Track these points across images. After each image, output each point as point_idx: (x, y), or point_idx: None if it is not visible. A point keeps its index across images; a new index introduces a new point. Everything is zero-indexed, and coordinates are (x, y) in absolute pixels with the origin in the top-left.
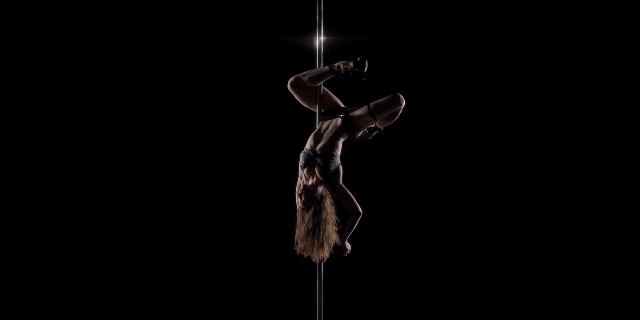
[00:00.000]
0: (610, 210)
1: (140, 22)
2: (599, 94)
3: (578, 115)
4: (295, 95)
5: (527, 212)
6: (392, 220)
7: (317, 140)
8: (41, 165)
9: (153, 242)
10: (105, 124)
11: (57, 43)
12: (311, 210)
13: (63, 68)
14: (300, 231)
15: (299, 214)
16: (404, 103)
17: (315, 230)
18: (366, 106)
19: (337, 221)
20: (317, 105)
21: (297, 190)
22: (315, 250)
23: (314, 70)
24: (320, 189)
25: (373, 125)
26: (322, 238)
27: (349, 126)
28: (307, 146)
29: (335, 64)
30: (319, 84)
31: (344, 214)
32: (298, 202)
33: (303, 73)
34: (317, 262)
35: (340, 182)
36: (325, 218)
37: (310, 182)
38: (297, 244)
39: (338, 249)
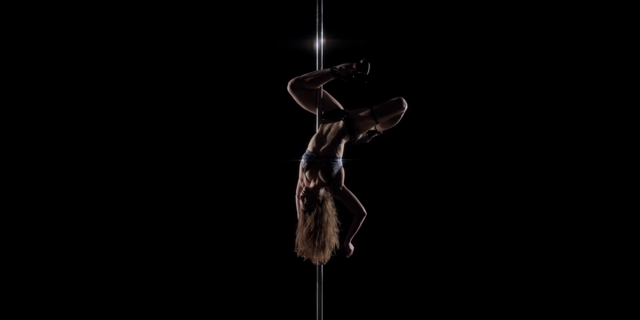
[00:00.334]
0: (610, 210)
1: (140, 25)
2: (599, 96)
3: (578, 117)
4: (295, 97)
5: (529, 214)
6: (393, 222)
7: (319, 143)
8: (41, 165)
9: (154, 244)
10: (107, 127)
11: (57, 43)
12: (313, 213)
13: (63, 68)
14: (301, 234)
15: (300, 216)
16: (406, 107)
17: (317, 232)
18: (368, 109)
19: (338, 224)
20: (317, 108)
21: (299, 193)
22: (316, 252)
23: (314, 73)
24: (322, 191)
25: (373, 128)
26: (323, 240)
27: (351, 129)
28: (310, 149)
29: (337, 66)
30: (319, 87)
31: (345, 217)
32: (299, 204)
33: (303, 75)
34: (317, 264)
35: (343, 184)
36: (327, 220)
37: (312, 185)
38: (297, 246)
39: (338, 251)
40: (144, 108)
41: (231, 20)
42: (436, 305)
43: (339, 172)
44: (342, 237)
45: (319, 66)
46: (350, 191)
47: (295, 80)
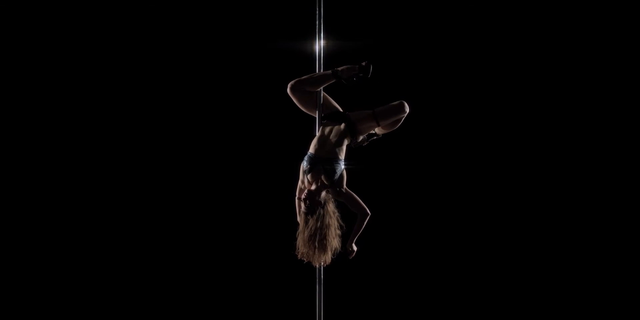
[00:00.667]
0: (610, 211)
1: (140, 27)
2: (600, 98)
3: (578, 118)
4: (295, 99)
5: (529, 216)
6: (392, 224)
7: (321, 145)
8: (42, 165)
9: (156, 246)
10: (109, 129)
11: (59, 45)
12: (315, 215)
13: (66, 71)
14: (302, 236)
15: (301, 219)
16: (408, 111)
17: (318, 234)
18: (371, 111)
19: (341, 225)
20: (317, 110)
21: (301, 196)
22: (317, 254)
23: (315, 75)
24: (324, 193)
25: (373, 131)
26: (325, 242)
27: (352, 131)
28: (312, 151)
29: (339, 68)
30: (319, 89)
31: (347, 218)
32: (301, 207)
33: (304, 77)
34: (319, 266)
35: (345, 185)
36: (328, 222)
37: (314, 187)
38: (299, 249)
39: (339, 253)
40: (145, 110)
41: (231, 22)
42: (436, 307)
43: (341, 174)
44: (344, 238)
45: (318, 68)
46: (352, 192)
47: (295, 82)
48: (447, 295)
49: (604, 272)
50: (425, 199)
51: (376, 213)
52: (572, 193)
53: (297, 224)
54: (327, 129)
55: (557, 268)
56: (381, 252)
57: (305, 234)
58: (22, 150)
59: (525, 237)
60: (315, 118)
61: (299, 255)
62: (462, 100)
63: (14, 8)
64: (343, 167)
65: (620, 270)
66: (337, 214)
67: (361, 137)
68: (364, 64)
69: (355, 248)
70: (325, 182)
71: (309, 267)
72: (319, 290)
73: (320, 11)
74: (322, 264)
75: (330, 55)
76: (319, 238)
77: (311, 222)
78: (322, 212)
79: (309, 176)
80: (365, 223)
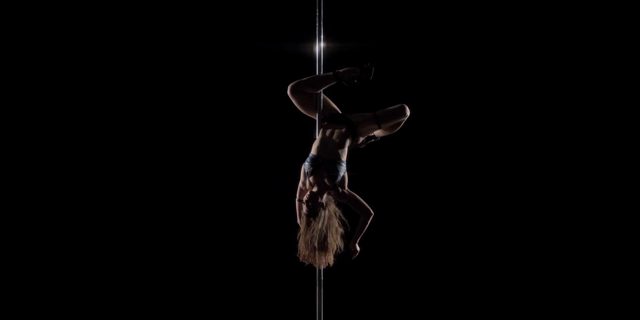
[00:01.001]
0: (610, 211)
1: (140, 29)
2: (600, 100)
3: (578, 120)
4: (295, 101)
5: (530, 218)
6: (392, 225)
7: (324, 147)
8: (42, 165)
9: (156, 247)
10: (110, 132)
11: (60, 46)
12: (318, 217)
13: (68, 73)
14: (304, 238)
15: (302, 221)
16: (408, 114)
17: (321, 236)
18: (372, 114)
19: (345, 226)
20: (317, 112)
21: (303, 198)
22: (319, 256)
23: (316, 76)
24: (325, 195)
25: (371, 134)
26: (327, 244)
27: (353, 133)
28: (314, 152)
29: (341, 70)
30: (320, 91)
31: (348, 220)
32: (302, 208)
33: (304, 79)
34: (321, 267)
35: (346, 186)
36: (330, 224)
37: (316, 189)
38: (300, 251)
39: (340, 254)
40: (145, 112)
41: (231, 24)
42: (436, 308)
43: (343, 176)
44: (346, 239)
45: (318, 70)
46: (354, 193)
47: (295, 84)
48: (448, 296)
49: (604, 272)
50: (425, 200)
51: (376, 214)
52: (572, 194)
53: (297, 225)
54: (329, 131)
55: (557, 268)
56: (381, 254)
57: (307, 236)
58: (22, 151)
59: (526, 239)
60: (315, 120)
61: (300, 258)
62: (462, 103)
63: (14, 8)
64: (345, 168)
65: (620, 270)
66: (338, 213)
67: (361, 139)
68: (366, 65)
69: (358, 248)
70: (327, 183)
71: (309, 269)
72: (319, 292)
73: (320, 13)
74: (324, 265)
75: (330, 57)
76: (321, 240)
77: (313, 224)
78: (323, 213)
79: (311, 178)
80: (368, 223)
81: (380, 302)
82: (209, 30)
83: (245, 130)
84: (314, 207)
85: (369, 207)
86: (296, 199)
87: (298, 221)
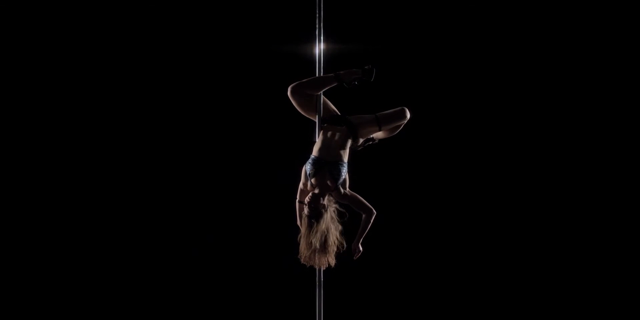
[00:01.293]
0: (610, 212)
1: (141, 30)
2: (600, 102)
3: (578, 123)
4: (294, 102)
5: (529, 219)
6: (392, 226)
7: (326, 148)
8: (43, 166)
9: (156, 248)
10: (110, 132)
11: (61, 47)
12: (320, 219)
13: (72, 73)
14: (306, 240)
15: (304, 222)
16: (409, 117)
17: (323, 237)
18: (373, 116)
19: (341, 228)
20: (317, 114)
21: (303, 199)
22: (320, 257)
23: (316, 78)
24: (327, 196)
25: (370, 136)
26: (328, 245)
27: (354, 134)
28: (316, 154)
29: (342, 72)
30: (320, 92)
31: (348, 221)
32: (304, 210)
33: (304, 80)
34: (322, 268)
35: (347, 187)
36: (331, 225)
37: (318, 190)
38: (302, 253)
39: (340, 255)
40: (146, 113)
41: (231, 26)
42: (436, 308)
43: (344, 177)
44: (349, 240)
45: (318, 72)
46: (355, 193)
47: (296, 85)
48: (448, 297)
49: (604, 272)
50: (425, 202)
51: (376, 215)
52: (571, 195)
53: (297, 226)
54: (330, 133)
55: (557, 268)
56: (380, 255)
57: (310, 238)
58: (22, 151)
59: (525, 240)
60: (314, 121)
61: (302, 259)
62: (462, 104)
63: (14, 8)
64: (346, 169)
65: (620, 270)
66: (337, 216)
67: (360, 141)
68: (367, 67)
69: (361, 248)
70: (330, 185)
71: (309, 270)
72: (319, 293)
73: (320, 15)
74: (325, 266)
75: (330, 59)
76: (322, 241)
77: (315, 225)
78: (325, 215)
79: (313, 179)
80: (371, 222)
81: (380, 303)
82: (209, 31)
83: (245, 131)
84: (316, 209)
85: (371, 207)
86: (296, 200)
87: (298, 223)
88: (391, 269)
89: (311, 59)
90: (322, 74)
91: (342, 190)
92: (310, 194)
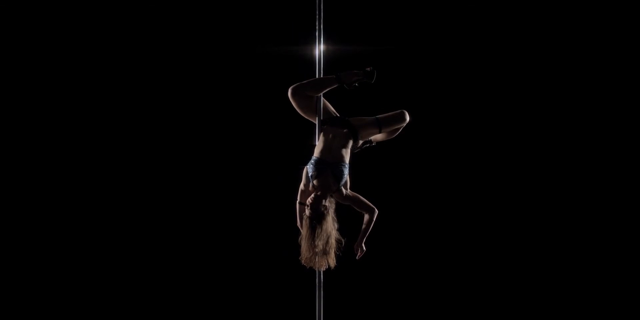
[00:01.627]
0: (610, 212)
1: (141, 32)
2: (600, 104)
3: (578, 125)
4: (295, 103)
5: (529, 219)
6: (392, 227)
7: (328, 150)
8: (42, 166)
9: (157, 249)
10: (111, 134)
11: (60, 48)
12: (322, 220)
13: (72, 74)
14: (308, 241)
15: (305, 224)
16: (408, 120)
17: (325, 239)
18: (374, 118)
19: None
20: (317, 115)
21: (304, 200)
22: (321, 259)
23: (317, 79)
24: (328, 198)
25: (369, 138)
26: (329, 246)
27: (355, 136)
28: (318, 155)
29: (342, 73)
30: (321, 94)
31: (347, 220)
32: (306, 212)
33: (305, 81)
34: (323, 269)
35: (348, 188)
36: (332, 226)
37: (320, 192)
38: (303, 254)
39: (338, 256)
40: (146, 115)
41: (231, 27)
42: (436, 309)
43: (346, 178)
44: (351, 240)
45: (318, 73)
46: (355, 193)
47: (296, 86)
48: (447, 298)
49: (604, 273)
50: (424, 203)
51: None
52: (571, 196)
53: (297, 227)
54: (331, 134)
55: (558, 269)
56: (380, 256)
57: (311, 240)
58: (22, 151)
59: (525, 240)
60: (315, 123)
61: (303, 261)
62: (461, 105)
63: (14, 8)
64: (348, 170)
65: (620, 270)
66: (335, 217)
67: (360, 143)
68: (368, 69)
69: (364, 247)
70: (332, 186)
71: (309, 271)
72: (319, 294)
73: (320, 16)
74: (325, 267)
75: (329, 60)
76: (324, 242)
77: (317, 227)
78: (327, 216)
79: (315, 181)
80: (374, 220)
81: (379, 304)
82: (209, 33)
83: (245, 132)
84: (318, 210)
85: (372, 206)
86: (297, 202)
87: (298, 224)
88: (391, 270)
89: (311, 61)
90: (322, 76)
91: (344, 192)
92: (312, 195)
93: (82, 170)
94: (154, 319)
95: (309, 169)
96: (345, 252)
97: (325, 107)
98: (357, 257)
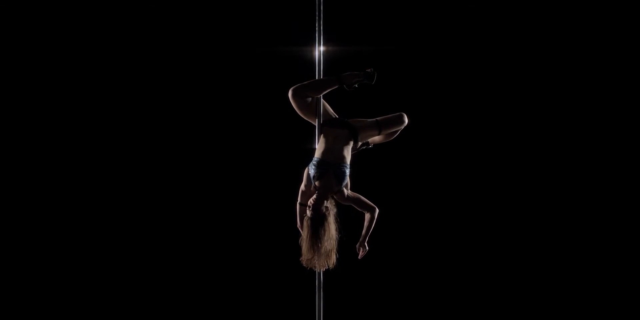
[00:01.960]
0: (610, 212)
1: (141, 32)
2: (600, 107)
3: (578, 126)
4: (295, 104)
5: (529, 220)
6: (392, 227)
7: (329, 151)
8: (42, 166)
9: (157, 250)
10: (111, 136)
11: (60, 49)
12: (325, 222)
13: (72, 74)
14: (309, 243)
15: (306, 225)
16: (407, 122)
17: (325, 239)
18: (374, 120)
19: (340, 230)
20: (317, 116)
21: (308, 202)
22: (322, 260)
23: (318, 80)
24: (329, 199)
25: (367, 140)
26: (331, 248)
27: (355, 137)
28: (319, 157)
29: (343, 74)
30: (321, 95)
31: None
32: (307, 213)
33: (306, 82)
34: (320, 270)
35: (349, 189)
36: (333, 227)
37: (322, 193)
38: (304, 255)
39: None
40: (143, 115)
41: (231, 28)
42: (435, 308)
43: (347, 179)
44: (353, 240)
45: (318, 74)
46: (357, 194)
47: (297, 87)
48: (447, 299)
49: (605, 273)
50: (424, 204)
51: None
52: (571, 196)
53: (296, 227)
54: (332, 135)
55: (558, 269)
56: (380, 256)
57: (319, 241)
58: (22, 151)
59: (525, 240)
60: (314, 124)
61: (304, 262)
62: (461, 106)
63: (13, 8)
64: (349, 171)
65: (620, 270)
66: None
67: (358, 145)
68: (369, 70)
69: (367, 247)
70: (334, 187)
71: (308, 272)
72: (319, 295)
73: (319, 17)
74: (325, 268)
75: (329, 61)
76: (325, 243)
77: (320, 228)
78: (329, 218)
79: (317, 182)
80: (375, 219)
81: (379, 304)
82: (209, 33)
83: (245, 133)
84: (320, 211)
85: (373, 205)
86: (297, 203)
87: (298, 225)
88: (390, 270)
89: (311, 62)
90: (322, 77)
91: (345, 192)
92: (314, 196)
93: (82, 170)
94: (154, 319)
95: (310, 170)
96: (344, 252)
97: (324, 108)
98: (359, 257)
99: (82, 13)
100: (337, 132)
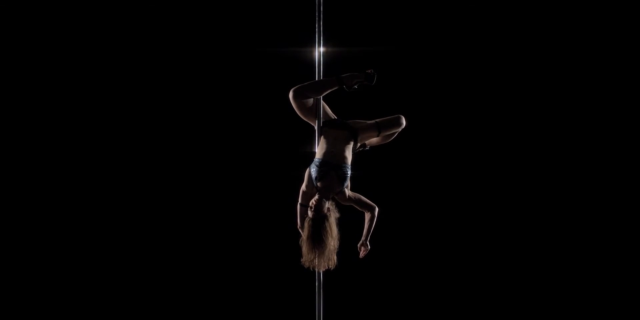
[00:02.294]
0: (610, 212)
1: (141, 33)
2: (600, 108)
3: (577, 126)
4: (295, 105)
5: (528, 220)
6: (392, 228)
7: (331, 152)
8: (42, 166)
9: (157, 250)
10: (111, 138)
11: (59, 49)
12: (326, 222)
13: (71, 74)
14: (310, 243)
15: (307, 226)
16: (404, 124)
17: (326, 240)
18: (374, 122)
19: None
20: (317, 117)
21: (310, 202)
22: (323, 260)
23: (318, 81)
24: (330, 199)
25: (365, 142)
26: (331, 248)
27: (355, 138)
28: (321, 157)
29: (344, 75)
30: (321, 96)
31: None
32: (309, 214)
33: (306, 83)
34: (324, 270)
35: (350, 189)
36: (335, 228)
37: (323, 193)
38: (304, 255)
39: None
40: (143, 116)
41: (231, 29)
42: (435, 308)
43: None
44: (354, 240)
45: (318, 75)
46: (358, 193)
47: (298, 88)
48: (447, 299)
49: (605, 273)
50: (423, 204)
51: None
52: (570, 196)
53: (296, 228)
54: (332, 136)
55: (558, 269)
56: (380, 257)
57: (322, 242)
58: (22, 151)
59: (524, 240)
60: (314, 125)
61: (305, 263)
62: (460, 107)
63: (13, 8)
64: (350, 171)
65: (620, 270)
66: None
67: (357, 146)
68: (369, 71)
69: (369, 246)
70: (336, 187)
71: (308, 272)
72: (319, 295)
73: (319, 18)
74: (325, 268)
75: (329, 62)
76: (326, 244)
77: (321, 229)
78: (330, 218)
79: (319, 183)
80: (376, 218)
81: (379, 304)
82: (209, 34)
83: (245, 134)
84: (321, 212)
85: (373, 204)
86: (298, 204)
87: (299, 226)
88: (390, 270)
89: (311, 63)
90: (322, 77)
91: (346, 193)
92: (316, 197)
93: (82, 170)
94: (154, 319)
95: (312, 171)
96: (344, 252)
97: (323, 109)
98: (360, 256)
99: (82, 13)
100: (337, 133)
